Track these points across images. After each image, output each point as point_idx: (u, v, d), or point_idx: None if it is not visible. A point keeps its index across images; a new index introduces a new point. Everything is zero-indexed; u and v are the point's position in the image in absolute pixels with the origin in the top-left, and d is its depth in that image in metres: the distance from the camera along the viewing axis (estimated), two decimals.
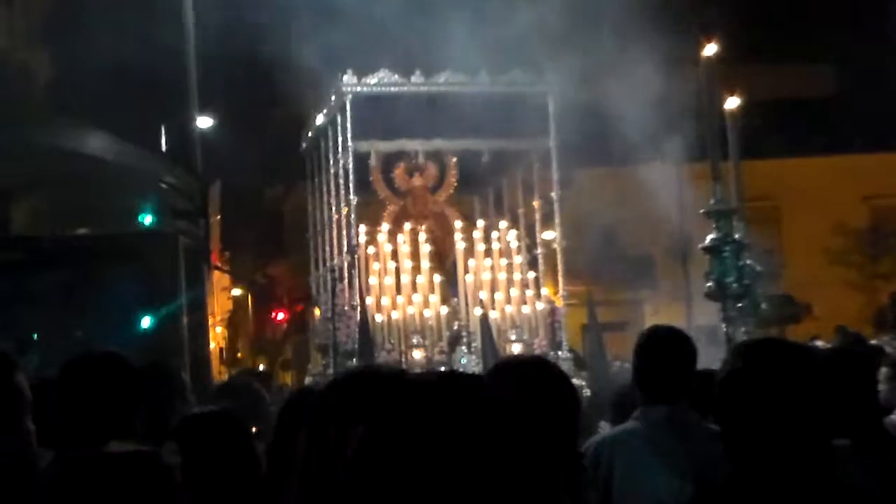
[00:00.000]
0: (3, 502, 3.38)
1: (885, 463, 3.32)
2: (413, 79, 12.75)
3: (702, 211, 8.01)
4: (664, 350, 4.39)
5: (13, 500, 3.36)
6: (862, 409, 4.51)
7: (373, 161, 13.20)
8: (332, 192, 13.56)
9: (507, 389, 3.11)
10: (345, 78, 12.63)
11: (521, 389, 3.09)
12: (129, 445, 2.28)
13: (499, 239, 13.01)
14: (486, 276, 12.46)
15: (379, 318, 12.11)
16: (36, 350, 9.25)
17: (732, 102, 8.23)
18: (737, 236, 7.73)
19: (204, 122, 19.49)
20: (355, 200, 12.62)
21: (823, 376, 2.53)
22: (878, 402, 4.89)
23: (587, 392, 11.11)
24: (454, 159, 13.72)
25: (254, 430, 4.23)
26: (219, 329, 37.48)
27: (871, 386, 4.75)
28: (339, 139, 12.81)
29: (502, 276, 12.60)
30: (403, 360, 11.91)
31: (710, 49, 7.89)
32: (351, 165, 12.57)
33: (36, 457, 3.67)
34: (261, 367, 38.95)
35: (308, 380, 14.14)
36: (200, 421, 3.70)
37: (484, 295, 12.21)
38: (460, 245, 12.63)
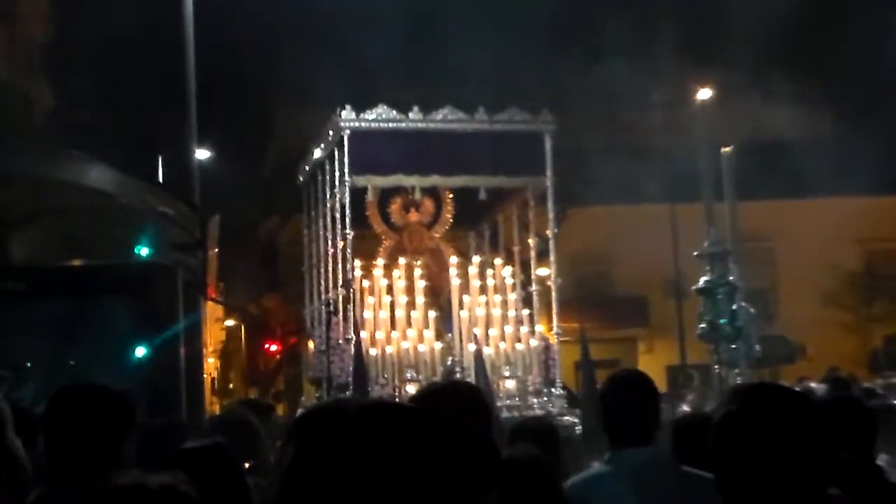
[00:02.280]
0: None
1: None
2: (411, 115, 12.81)
3: (696, 253, 8.07)
4: (627, 394, 4.46)
5: None
6: (859, 456, 4.55)
7: (369, 196, 13.26)
8: (329, 226, 13.60)
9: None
10: (343, 113, 12.69)
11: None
12: (136, 476, 2.30)
13: (494, 275, 13.04)
14: (480, 312, 12.49)
15: (373, 352, 12.12)
16: (33, 380, 9.26)
17: (727, 145, 8.32)
18: (731, 278, 7.77)
19: (202, 154, 19.56)
20: (351, 235, 12.65)
21: (820, 422, 2.57)
22: (873, 449, 4.91)
23: (579, 429, 11.13)
24: (450, 195, 13.79)
25: (247, 465, 4.25)
26: (211, 360, 37.40)
27: (869, 433, 4.78)
28: (337, 174, 12.86)
29: (497, 312, 12.63)
30: (397, 394, 11.92)
31: (705, 93, 7.98)
32: (347, 200, 12.61)
33: (25, 470, 3.68)
34: (252, 397, 38.86)
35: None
36: (191, 455, 3.72)
37: (478, 331, 12.22)
38: (455, 281, 12.66)
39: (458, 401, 3.33)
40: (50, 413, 3.63)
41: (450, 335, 12.68)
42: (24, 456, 3.73)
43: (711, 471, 2.65)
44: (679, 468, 4.33)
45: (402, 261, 13.11)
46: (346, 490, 1.50)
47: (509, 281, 13.21)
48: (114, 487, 2.20)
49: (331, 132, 13.13)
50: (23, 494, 3.52)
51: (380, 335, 12.29)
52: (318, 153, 13.99)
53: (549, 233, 13.19)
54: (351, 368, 11.77)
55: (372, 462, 1.50)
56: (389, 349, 12.16)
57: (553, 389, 12.55)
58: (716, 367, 7.75)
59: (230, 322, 43.99)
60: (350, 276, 12.63)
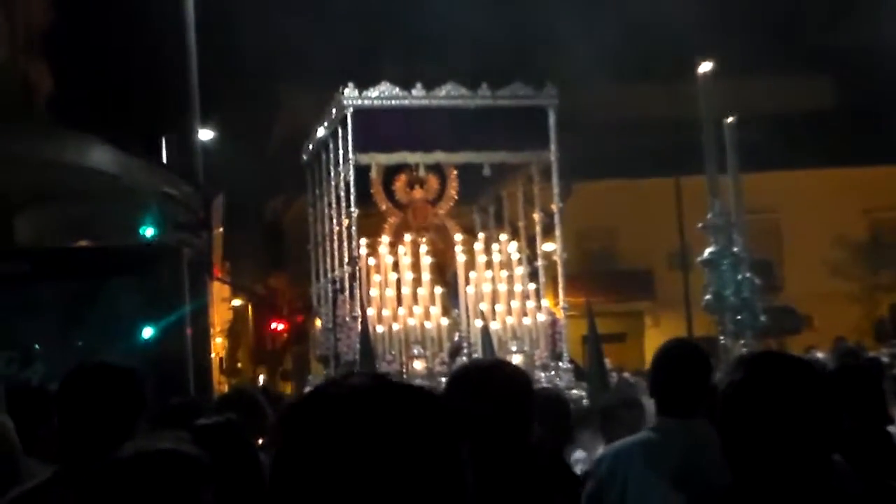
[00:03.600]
0: None
1: (883, 480, 3.36)
2: (414, 92, 12.79)
3: (699, 225, 8.06)
4: (681, 364, 4.42)
5: None
6: (867, 423, 4.55)
7: (373, 173, 13.24)
8: (333, 205, 13.60)
9: (465, 396, 3.23)
10: (346, 91, 12.67)
11: (479, 394, 3.18)
12: (156, 443, 2.30)
13: (499, 251, 13.05)
14: (486, 288, 12.50)
15: (380, 329, 12.14)
16: (40, 362, 9.29)
17: (731, 117, 8.28)
18: (736, 249, 7.76)
19: (205, 134, 19.54)
20: (356, 213, 12.66)
21: (825, 389, 2.57)
22: (885, 417, 4.91)
23: (585, 402, 11.16)
24: (455, 172, 13.78)
25: (259, 441, 4.26)
26: (219, 339, 37.48)
27: (877, 401, 4.79)
28: (340, 151, 12.86)
29: (503, 287, 12.64)
30: (404, 370, 11.95)
31: (707, 66, 7.96)
32: (352, 178, 12.61)
33: (17, 454, 3.70)
34: (261, 378, 38.99)
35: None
36: (203, 432, 3.73)
37: (485, 306, 12.24)
38: (461, 257, 12.66)
39: (497, 379, 3.33)
40: (63, 391, 3.64)
41: (456, 311, 12.70)
42: (15, 437, 3.74)
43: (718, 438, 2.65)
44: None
45: (407, 238, 13.10)
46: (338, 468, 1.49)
47: (515, 256, 13.22)
48: (117, 459, 2.21)
49: (334, 110, 13.11)
50: (14, 474, 3.53)
51: (386, 312, 12.31)
52: (321, 132, 13.98)
53: (554, 207, 13.18)
54: (358, 346, 11.80)
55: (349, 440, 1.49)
56: (396, 326, 12.18)
57: (560, 363, 12.57)
58: (721, 338, 7.74)
59: (237, 302, 44.05)
60: (356, 253, 12.64)
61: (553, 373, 12.38)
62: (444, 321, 12.37)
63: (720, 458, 4.11)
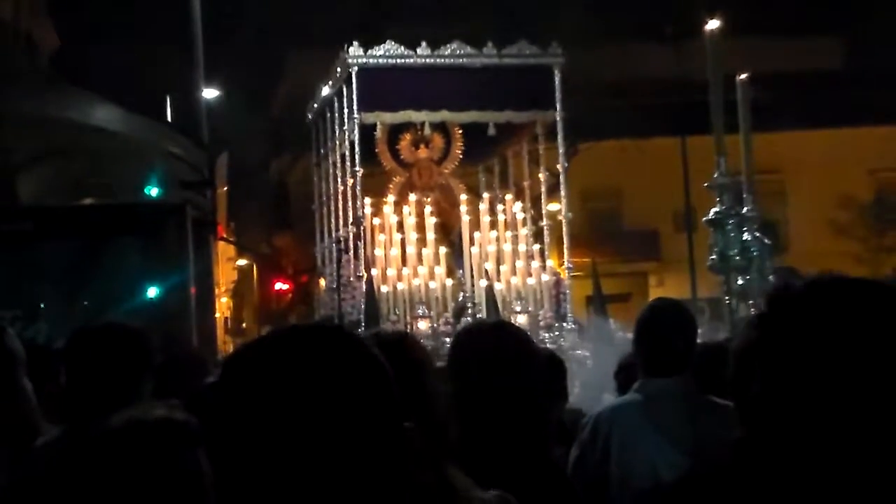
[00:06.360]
0: (7, 466, 3.40)
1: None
2: (419, 51, 12.72)
3: (706, 185, 8.02)
4: (665, 323, 4.42)
5: (17, 464, 3.38)
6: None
7: (378, 132, 13.20)
8: (338, 164, 13.57)
9: (468, 354, 3.23)
10: (350, 50, 12.60)
11: (482, 353, 3.17)
12: (152, 410, 2.29)
13: (504, 211, 13.02)
14: (491, 248, 12.48)
15: (384, 289, 12.14)
16: (44, 320, 9.29)
17: (741, 75, 8.21)
18: (745, 209, 7.72)
19: (210, 93, 19.47)
20: (361, 172, 12.62)
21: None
22: None
23: (590, 363, 11.16)
24: (460, 131, 13.72)
25: None
26: (224, 299, 37.54)
27: None
28: (345, 111, 12.81)
29: (507, 247, 12.62)
30: (409, 330, 11.95)
31: (715, 23, 7.90)
32: (356, 137, 12.56)
33: (36, 417, 3.69)
34: None
35: None
36: (214, 390, 3.72)
37: (489, 266, 12.23)
38: (466, 217, 12.64)
39: (495, 339, 3.32)
40: (70, 351, 3.64)
41: (461, 271, 12.69)
42: (34, 399, 3.74)
43: (731, 398, 2.64)
44: (707, 398, 4.30)
45: (412, 197, 13.07)
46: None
47: (520, 216, 13.19)
48: (110, 428, 2.21)
49: (339, 69, 13.05)
50: (32, 437, 3.53)
51: (391, 272, 12.30)
52: (326, 90, 13.91)
53: (559, 167, 13.15)
54: (362, 306, 11.81)
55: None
56: (401, 286, 12.17)
57: (564, 324, 12.57)
58: (726, 298, 7.72)
59: (242, 262, 44.11)
60: (360, 213, 12.62)
61: (557, 333, 12.39)
62: (449, 281, 12.36)
63: (708, 416, 4.11)
